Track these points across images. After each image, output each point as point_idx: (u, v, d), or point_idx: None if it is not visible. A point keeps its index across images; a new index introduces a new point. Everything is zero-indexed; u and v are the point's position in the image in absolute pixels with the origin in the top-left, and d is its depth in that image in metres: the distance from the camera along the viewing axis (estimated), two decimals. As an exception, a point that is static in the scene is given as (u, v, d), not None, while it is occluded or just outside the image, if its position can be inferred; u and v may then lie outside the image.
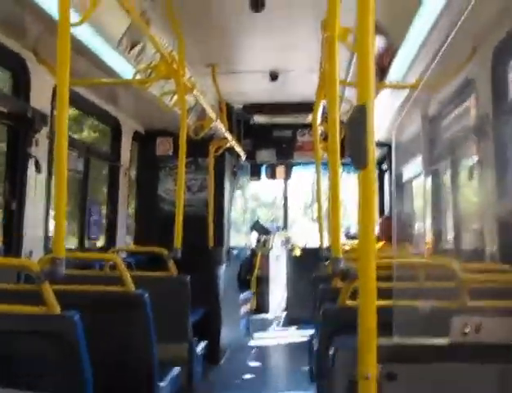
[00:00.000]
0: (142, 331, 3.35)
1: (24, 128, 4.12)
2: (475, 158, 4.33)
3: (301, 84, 6.59)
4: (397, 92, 5.20)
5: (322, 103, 4.79)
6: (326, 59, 3.63)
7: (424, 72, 4.29)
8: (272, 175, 9.50)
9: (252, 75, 6.53)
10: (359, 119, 1.66)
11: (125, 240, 6.47)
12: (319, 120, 5.02)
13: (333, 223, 2.49)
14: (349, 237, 8.67)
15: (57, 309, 2.48)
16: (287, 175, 9.57)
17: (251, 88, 7.10)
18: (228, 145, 6.77)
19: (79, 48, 3.79)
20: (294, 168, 9.60)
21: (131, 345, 3.36)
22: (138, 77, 4.49)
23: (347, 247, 6.02)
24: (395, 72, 4.82)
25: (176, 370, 3.86)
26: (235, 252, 7.35)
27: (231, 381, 5.77)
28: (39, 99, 4.25)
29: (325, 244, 4.82)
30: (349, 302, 2.70)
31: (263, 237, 9.46)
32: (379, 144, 7.16)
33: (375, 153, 1.73)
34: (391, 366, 1.66)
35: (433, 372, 1.72)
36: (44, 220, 4.45)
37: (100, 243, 6.16)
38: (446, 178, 5.64)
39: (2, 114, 4.03)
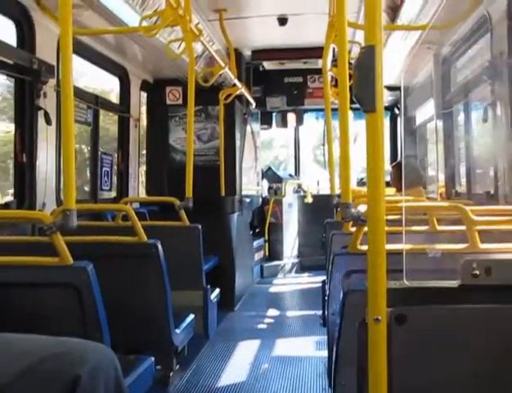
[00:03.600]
0: (156, 280, 3.38)
1: (31, 79, 4.08)
2: (490, 99, 4.24)
3: (310, 28, 6.43)
4: (410, 33, 5.07)
5: (332, 47, 4.68)
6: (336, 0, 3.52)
7: (437, 13, 4.17)
8: (283, 123, 9.37)
9: (260, 20, 6.38)
10: (367, 60, 1.60)
11: (137, 191, 6.49)
12: (329, 65, 4.91)
13: (343, 168, 2.46)
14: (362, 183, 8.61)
15: (70, 260, 2.49)
16: (298, 122, 9.45)
17: (260, 33, 6.95)
18: (238, 92, 6.68)
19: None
20: (305, 115, 9.47)
21: (145, 295, 3.40)
22: (144, 24, 4.40)
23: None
24: (407, 13, 4.68)
25: (190, 317, 3.92)
26: (247, 200, 7.36)
27: (244, 327, 5.87)
28: (45, 50, 4.20)
29: (337, 191, 4.80)
30: (360, 247, 2.69)
31: (275, 185, 9.45)
32: (392, 88, 7.03)
33: (383, 96, 1.68)
34: (401, 309, 1.67)
35: (443, 315, 1.72)
36: (56, 173, 4.46)
37: (112, 195, 6.18)
38: (460, 120, 5.56)
39: (8, 65, 3.99)
